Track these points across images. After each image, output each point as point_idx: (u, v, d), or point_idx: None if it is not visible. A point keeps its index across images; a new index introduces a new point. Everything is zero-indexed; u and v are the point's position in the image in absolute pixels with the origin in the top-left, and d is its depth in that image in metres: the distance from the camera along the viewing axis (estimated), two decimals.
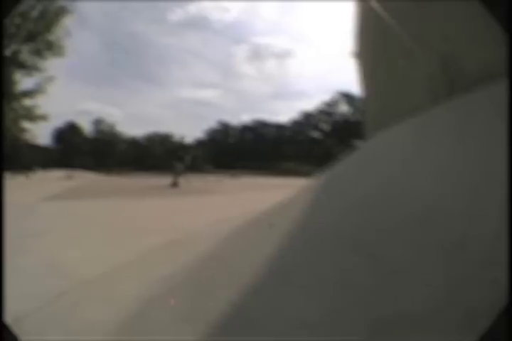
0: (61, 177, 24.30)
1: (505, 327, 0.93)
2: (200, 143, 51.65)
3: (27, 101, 21.34)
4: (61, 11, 18.67)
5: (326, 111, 49.78)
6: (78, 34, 19.77)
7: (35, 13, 17.54)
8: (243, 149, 48.59)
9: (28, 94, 21.34)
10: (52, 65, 20.26)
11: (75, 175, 27.09)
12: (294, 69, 55.08)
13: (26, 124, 21.43)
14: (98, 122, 49.75)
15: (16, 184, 8.35)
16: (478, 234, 1.19)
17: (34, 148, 35.30)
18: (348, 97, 46.89)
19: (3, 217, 1.48)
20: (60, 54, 21.07)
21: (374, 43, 2.32)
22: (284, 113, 64.91)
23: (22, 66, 19.66)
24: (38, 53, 19.72)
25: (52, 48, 20.04)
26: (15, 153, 21.53)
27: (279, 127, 49.73)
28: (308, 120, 50.77)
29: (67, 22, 19.41)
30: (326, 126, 49.80)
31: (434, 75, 1.84)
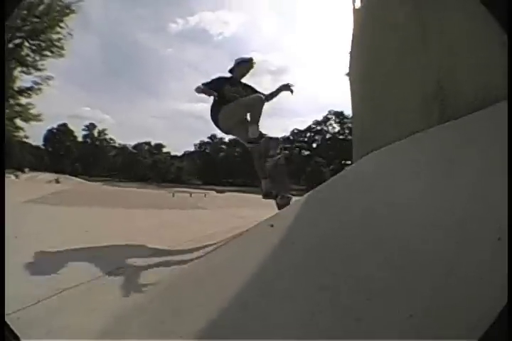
0: (49, 180, 24.38)
1: (506, 327, 0.89)
2: (189, 156, 51.52)
3: (22, 100, 21.17)
4: (66, 9, 18.90)
5: (317, 130, 50.67)
6: (80, 36, 20.09)
7: (41, 8, 17.73)
8: (232, 164, 48.69)
9: (25, 92, 21.29)
10: (50, 65, 20.23)
11: (63, 179, 27.10)
12: None
13: (20, 123, 21.19)
14: (90, 127, 49.34)
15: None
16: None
17: (25, 148, 34.85)
18: (340, 116, 48.07)
19: (3, 217, 1.43)
20: (59, 55, 21.08)
21: (366, 61, 2.30)
22: (276, 130, 65.97)
23: (22, 63, 19.60)
24: (39, 51, 19.75)
25: (53, 47, 20.09)
26: (7, 151, 21.28)
27: None
28: (299, 138, 51.54)
29: (71, 23, 19.68)
30: (316, 144, 50.56)
31: (428, 96, 1.80)
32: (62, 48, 19.25)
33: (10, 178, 18.00)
